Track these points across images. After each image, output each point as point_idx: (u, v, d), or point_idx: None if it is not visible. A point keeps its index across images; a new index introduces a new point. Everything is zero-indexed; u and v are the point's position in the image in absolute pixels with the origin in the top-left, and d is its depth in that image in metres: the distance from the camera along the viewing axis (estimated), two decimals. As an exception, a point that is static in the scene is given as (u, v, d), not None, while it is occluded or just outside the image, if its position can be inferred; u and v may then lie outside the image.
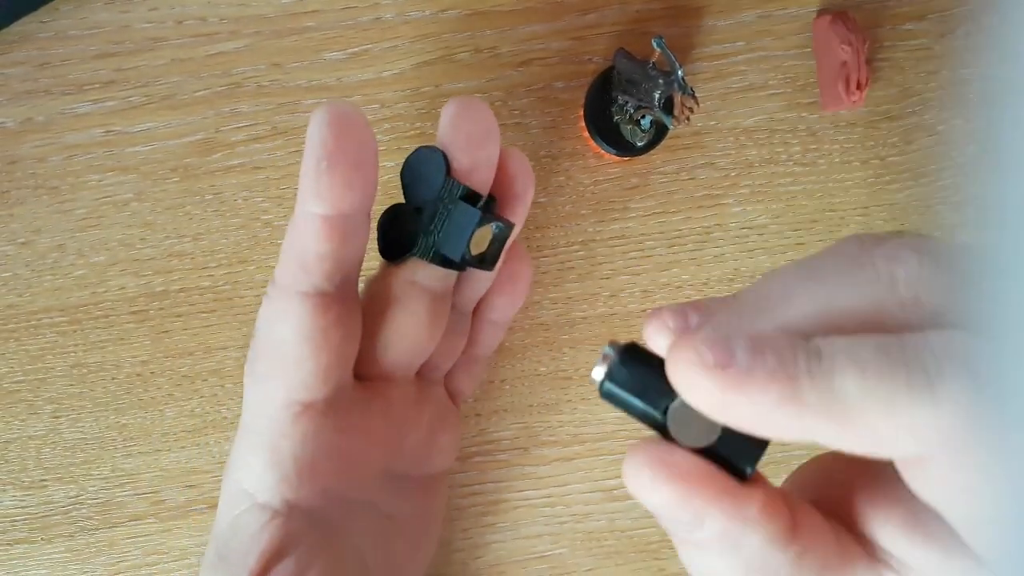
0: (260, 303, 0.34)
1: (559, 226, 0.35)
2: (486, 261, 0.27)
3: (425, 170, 0.25)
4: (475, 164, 0.25)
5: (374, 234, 0.27)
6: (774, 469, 0.35)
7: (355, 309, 0.26)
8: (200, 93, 0.33)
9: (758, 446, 0.18)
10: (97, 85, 0.33)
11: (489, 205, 0.26)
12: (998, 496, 0.15)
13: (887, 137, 0.35)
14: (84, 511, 0.34)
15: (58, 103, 0.33)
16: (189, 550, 0.34)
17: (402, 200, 0.27)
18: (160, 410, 0.34)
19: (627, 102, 0.32)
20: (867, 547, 0.18)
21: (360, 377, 0.27)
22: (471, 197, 0.25)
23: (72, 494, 0.34)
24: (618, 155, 0.33)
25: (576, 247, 0.35)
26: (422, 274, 0.26)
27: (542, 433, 0.35)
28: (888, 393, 0.15)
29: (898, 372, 0.15)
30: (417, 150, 0.26)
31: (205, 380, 0.34)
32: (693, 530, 0.17)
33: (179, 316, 0.34)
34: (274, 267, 0.34)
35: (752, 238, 0.35)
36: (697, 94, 0.31)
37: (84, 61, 0.33)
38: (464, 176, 0.25)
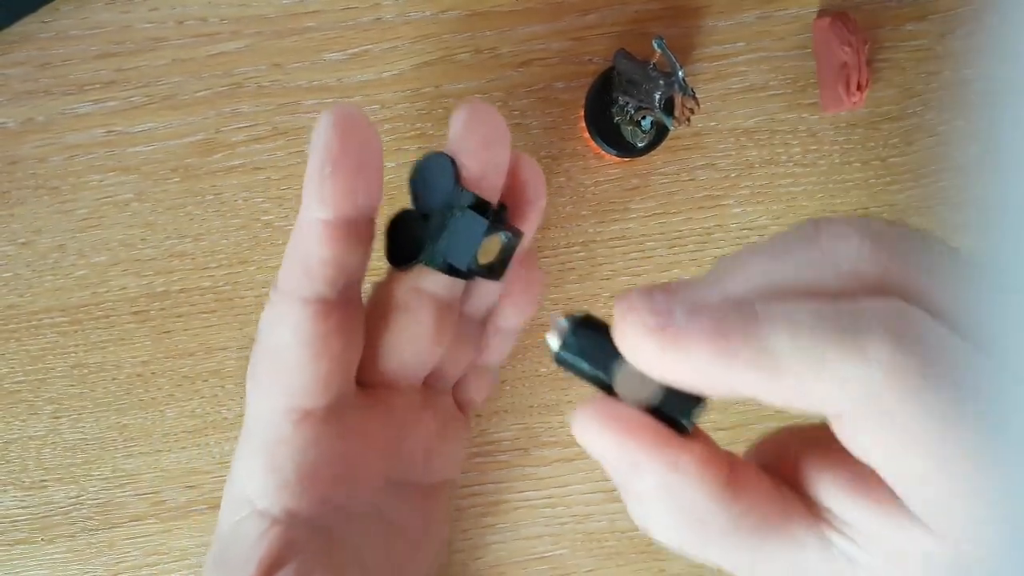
0: (261, 304, 0.34)
1: (559, 227, 0.35)
2: (494, 271, 0.26)
3: (434, 176, 0.25)
4: (485, 171, 0.25)
5: (380, 240, 0.26)
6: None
7: (357, 316, 0.26)
8: (201, 93, 0.33)
9: (697, 403, 0.19)
10: (98, 85, 0.33)
11: (500, 214, 0.26)
12: (927, 456, 0.16)
13: (888, 138, 0.35)
14: (84, 511, 0.34)
15: (59, 103, 0.33)
16: (189, 551, 0.34)
17: (407, 205, 0.26)
18: (161, 411, 0.34)
19: (627, 103, 0.32)
20: (812, 508, 0.19)
21: (363, 384, 0.27)
22: (480, 205, 0.24)
23: (73, 494, 0.34)
24: (618, 156, 0.33)
25: (576, 248, 0.35)
26: (428, 281, 0.26)
27: (543, 434, 0.35)
28: (819, 350, 0.16)
29: (829, 331, 0.16)
30: (426, 156, 0.25)
31: (206, 381, 0.34)
32: (634, 479, 0.19)
33: (180, 317, 0.34)
34: (275, 268, 0.34)
35: (753, 239, 0.35)
36: (698, 95, 0.31)
37: (85, 61, 0.33)
38: (474, 183, 0.25)
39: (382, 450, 0.27)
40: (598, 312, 0.35)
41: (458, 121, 0.25)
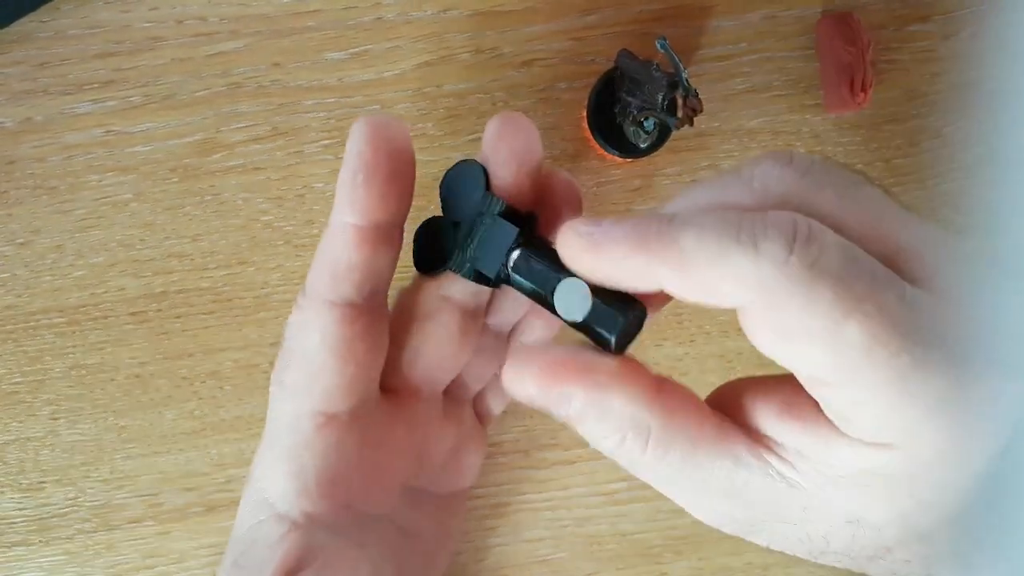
0: (260, 305, 0.34)
1: (561, 228, 0.34)
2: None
3: (464, 184, 0.25)
4: (517, 180, 0.25)
5: (408, 247, 0.26)
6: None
7: (383, 321, 0.26)
8: (200, 93, 0.33)
9: (622, 314, 0.21)
10: (97, 85, 0.33)
11: (530, 223, 0.25)
12: (823, 351, 0.18)
13: (891, 139, 0.35)
14: (82, 513, 0.34)
15: (57, 103, 0.33)
16: (187, 553, 0.34)
17: (439, 213, 0.26)
18: (159, 412, 0.34)
19: (630, 103, 0.31)
20: (754, 435, 0.21)
21: (386, 390, 0.27)
22: (511, 213, 0.24)
23: (70, 496, 0.34)
24: (621, 157, 0.33)
25: (578, 249, 0.34)
26: (455, 289, 0.26)
27: (543, 436, 0.35)
28: (720, 247, 0.18)
29: (730, 232, 0.18)
30: (457, 163, 0.25)
31: (204, 382, 0.34)
32: (566, 407, 0.21)
33: (178, 317, 0.34)
34: (273, 268, 0.34)
35: (755, 240, 0.35)
36: (701, 95, 0.30)
37: (84, 61, 0.33)
38: (504, 192, 0.25)
39: (403, 457, 0.27)
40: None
41: (491, 130, 0.25)
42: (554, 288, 0.22)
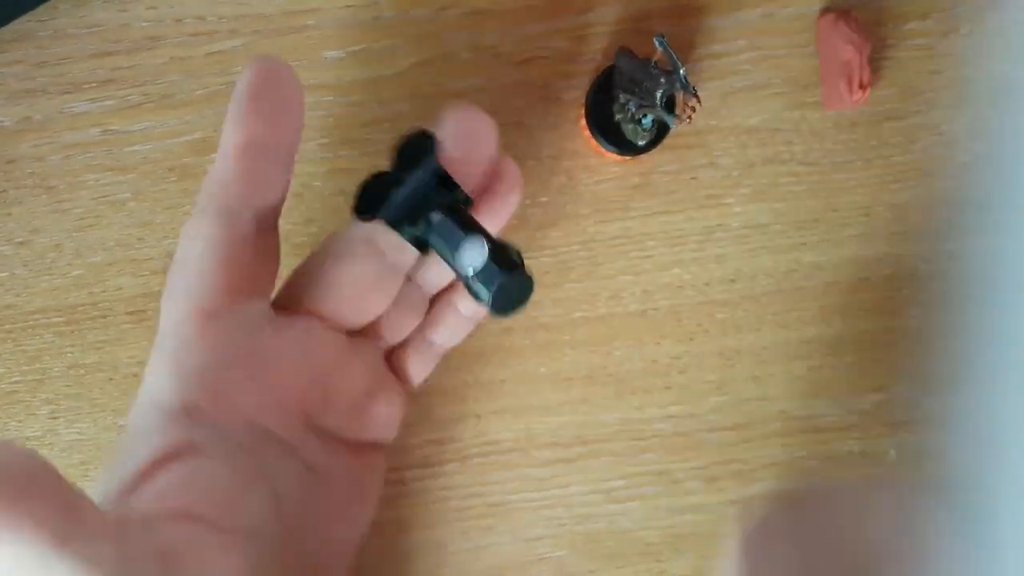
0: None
1: (560, 226, 0.34)
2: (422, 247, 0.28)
3: (416, 148, 0.27)
4: (465, 157, 0.27)
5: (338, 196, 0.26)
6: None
7: (271, 238, 0.27)
8: (199, 92, 0.33)
9: (505, 275, 0.26)
10: (95, 84, 0.33)
11: (464, 199, 0.27)
12: None
13: (890, 137, 0.35)
14: (81, 513, 0.34)
15: (56, 102, 0.33)
16: (187, 552, 0.34)
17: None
18: (158, 411, 0.34)
19: (628, 101, 0.31)
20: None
21: (287, 314, 0.28)
22: (447, 181, 0.27)
23: (69, 496, 0.34)
24: (619, 154, 0.33)
25: (577, 247, 0.34)
26: (381, 236, 0.27)
27: (542, 434, 0.35)
28: None
29: None
30: (415, 129, 0.27)
31: (203, 381, 0.34)
32: None
33: (177, 316, 0.34)
34: (272, 267, 0.34)
35: (755, 238, 0.35)
36: (699, 93, 0.30)
37: (82, 60, 0.33)
38: (451, 165, 0.27)
39: (298, 378, 0.28)
40: (598, 311, 0.35)
41: (449, 112, 0.27)
42: (459, 245, 0.26)
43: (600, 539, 0.35)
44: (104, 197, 0.33)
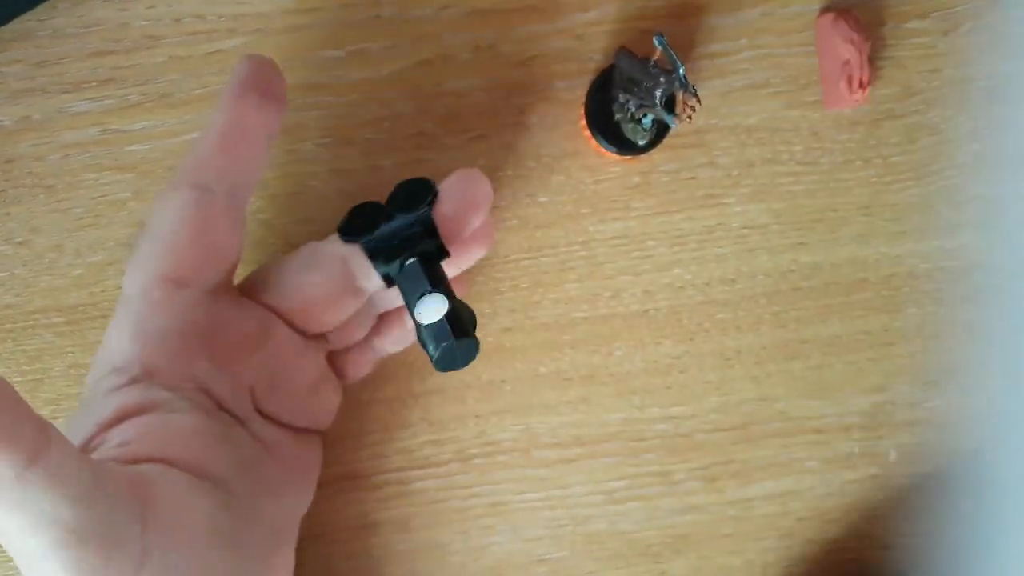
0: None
1: (559, 226, 0.34)
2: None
3: (414, 191, 0.28)
4: (456, 215, 0.28)
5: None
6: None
7: (238, 217, 0.28)
8: (198, 91, 0.33)
9: (454, 337, 0.27)
10: (94, 83, 0.33)
11: (441, 254, 0.28)
12: None
13: (890, 136, 0.35)
14: (81, 513, 0.34)
15: (55, 101, 0.33)
16: (187, 552, 0.34)
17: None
18: (158, 411, 0.34)
19: (628, 101, 0.31)
20: None
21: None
22: (432, 233, 0.28)
23: (69, 496, 0.34)
24: (619, 154, 0.33)
25: (577, 247, 0.34)
26: (356, 261, 0.28)
27: (543, 435, 0.35)
28: None
29: None
30: (421, 178, 0.29)
31: (203, 381, 0.34)
32: None
33: (177, 316, 0.34)
34: (272, 266, 0.34)
35: (754, 237, 0.35)
36: (699, 92, 0.30)
37: (81, 59, 0.33)
38: (442, 221, 0.28)
39: (254, 360, 0.28)
40: (598, 311, 0.35)
41: (458, 172, 0.29)
42: (422, 296, 0.27)
43: (600, 540, 0.35)
44: (104, 196, 0.33)
